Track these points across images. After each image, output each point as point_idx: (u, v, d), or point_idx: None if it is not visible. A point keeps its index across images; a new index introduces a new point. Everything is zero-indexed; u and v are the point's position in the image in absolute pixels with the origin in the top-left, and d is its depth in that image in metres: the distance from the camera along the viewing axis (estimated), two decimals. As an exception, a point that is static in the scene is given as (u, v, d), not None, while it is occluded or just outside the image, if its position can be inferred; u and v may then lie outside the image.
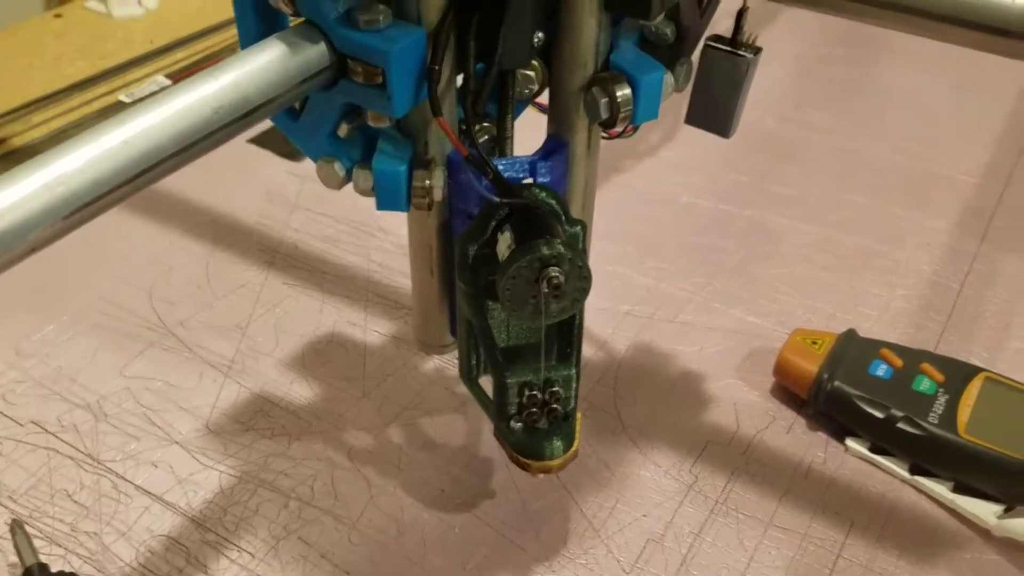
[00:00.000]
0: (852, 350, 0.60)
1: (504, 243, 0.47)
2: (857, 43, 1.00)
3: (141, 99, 0.92)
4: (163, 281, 0.69)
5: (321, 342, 0.64)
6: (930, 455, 0.55)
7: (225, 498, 0.54)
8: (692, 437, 0.58)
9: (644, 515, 0.54)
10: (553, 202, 0.45)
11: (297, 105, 0.46)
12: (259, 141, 0.83)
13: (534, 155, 0.47)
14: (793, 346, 0.60)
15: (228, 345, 0.63)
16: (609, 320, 0.66)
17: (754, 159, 0.82)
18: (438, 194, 0.46)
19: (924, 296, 0.69)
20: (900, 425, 0.55)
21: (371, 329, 0.65)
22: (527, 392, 0.45)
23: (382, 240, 0.73)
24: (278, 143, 0.83)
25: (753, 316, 0.67)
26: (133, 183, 0.35)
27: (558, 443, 0.47)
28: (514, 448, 0.47)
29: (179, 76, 0.94)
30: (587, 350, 0.62)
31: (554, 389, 0.46)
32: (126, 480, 0.55)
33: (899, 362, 0.58)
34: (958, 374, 0.58)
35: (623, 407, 0.60)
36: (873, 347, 0.60)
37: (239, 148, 0.83)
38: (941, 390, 0.57)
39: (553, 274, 0.41)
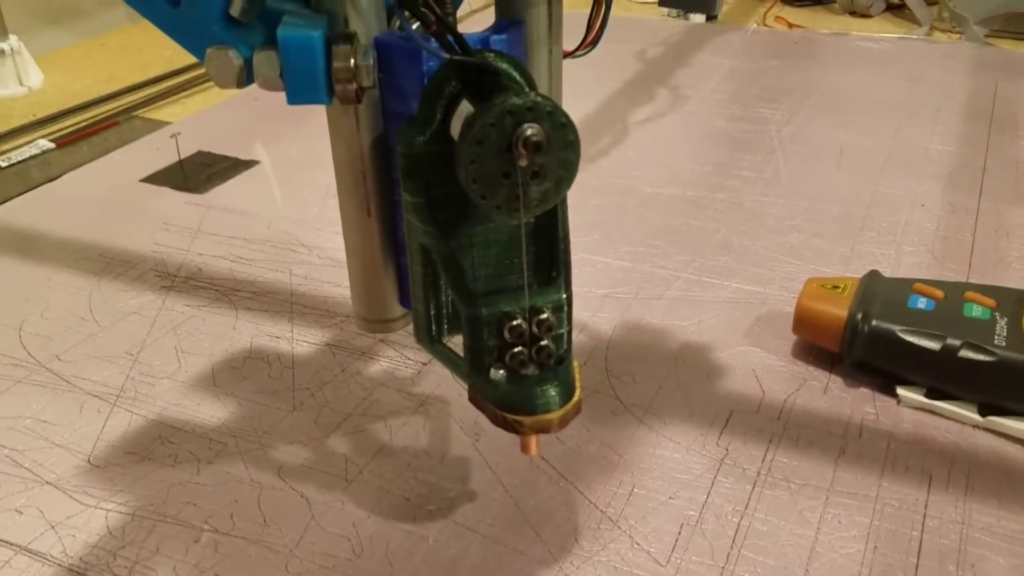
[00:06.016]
0: (882, 289, 0.50)
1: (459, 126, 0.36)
2: (789, 54, 0.96)
3: (20, 162, 0.81)
4: (36, 316, 0.55)
5: (236, 359, 0.51)
6: (1003, 384, 0.44)
7: (114, 540, 0.40)
8: (712, 408, 0.47)
9: (670, 498, 0.42)
10: (515, 73, 0.35)
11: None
12: (153, 179, 0.72)
13: (484, 32, 0.38)
14: (812, 293, 0.50)
15: (115, 373, 0.50)
16: (586, 304, 0.55)
17: (712, 152, 0.73)
18: (367, 77, 0.35)
19: (936, 250, 0.60)
20: (963, 354, 0.45)
21: (299, 340, 0.53)
22: (508, 325, 0.34)
23: (305, 255, 0.61)
24: (175, 179, 0.72)
25: (752, 285, 0.57)
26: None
27: (553, 392, 0.35)
28: (498, 404, 0.35)
29: (64, 140, 0.84)
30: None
31: (543, 317, 0.34)
32: (-24, 533, 0.41)
33: (939, 294, 0.49)
34: (1010, 298, 0.48)
35: (620, 387, 0.48)
36: (904, 284, 0.50)
37: (131, 188, 0.71)
38: (997, 314, 0.47)
39: (530, 132, 0.31)
